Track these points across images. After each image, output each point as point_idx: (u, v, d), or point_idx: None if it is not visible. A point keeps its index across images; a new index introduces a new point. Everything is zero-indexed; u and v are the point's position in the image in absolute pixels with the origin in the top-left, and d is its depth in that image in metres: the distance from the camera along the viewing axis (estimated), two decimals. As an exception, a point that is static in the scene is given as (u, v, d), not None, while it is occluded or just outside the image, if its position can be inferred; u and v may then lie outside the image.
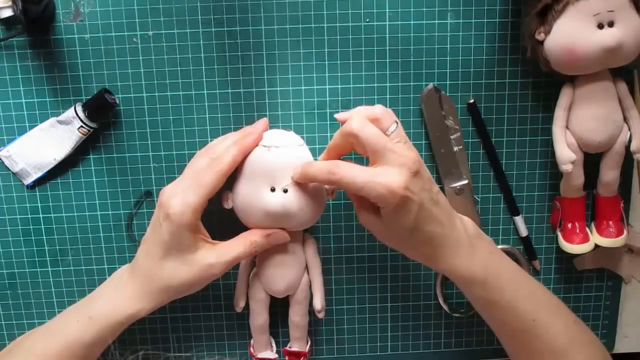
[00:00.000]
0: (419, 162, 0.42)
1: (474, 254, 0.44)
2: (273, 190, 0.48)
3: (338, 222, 0.56)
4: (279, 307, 0.56)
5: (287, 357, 0.55)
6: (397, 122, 0.44)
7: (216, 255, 0.46)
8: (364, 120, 0.42)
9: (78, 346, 0.46)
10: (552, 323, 0.46)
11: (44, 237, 0.55)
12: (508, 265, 0.47)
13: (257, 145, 0.48)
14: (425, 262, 0.46)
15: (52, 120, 0.52)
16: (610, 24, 0.46)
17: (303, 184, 0.48)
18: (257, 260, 0.52)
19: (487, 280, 0.45)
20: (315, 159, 0.52)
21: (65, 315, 0.49)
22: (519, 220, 0.57)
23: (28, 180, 0.53)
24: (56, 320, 0.49)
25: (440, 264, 0.45)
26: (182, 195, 0.44)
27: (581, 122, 0.51)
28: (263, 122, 0.49)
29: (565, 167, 0.51)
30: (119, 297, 0.47)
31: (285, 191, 0.48)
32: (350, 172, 0.41)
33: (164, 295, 0.47)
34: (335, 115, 0.47)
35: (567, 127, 0.51)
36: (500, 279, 0.45)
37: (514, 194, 0.56)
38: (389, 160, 0.41)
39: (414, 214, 0.41)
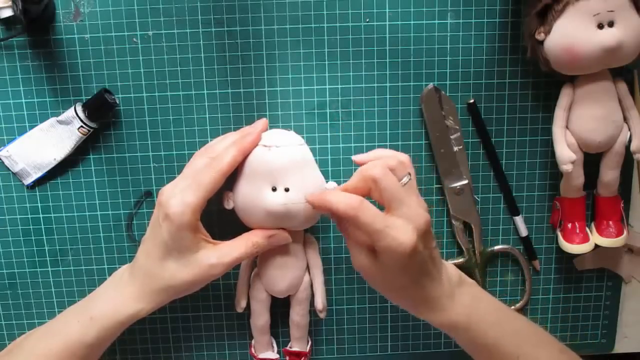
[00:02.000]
0: (429, 221, 0.43)
1: (454, 303, 0.45)
2: (274, 189, 0.48)
3: (338, 222, 0.56)
4: (279, 307, 0.56)
5: (287, 357, 0.55)
6: (409, 174, 0.44)
7: (217, 255, 0.46)
8: (386, 168, 0.42)
9: (79, 346, 0.46)
10: (538, 356, 0.46)
11: (44, 237, 0.55)
12: (491, 306, 0.47)
13: (256, 145, 0.48)
14: (407, 309, 0.46)
15: (52, 120, 0.52)
16: (610, 24, 0.46)
17: (304, 182, 0.48)
18: (258, 260, 0.52)
19: (470, 326, 0.45)
20: (315, 159, 0.52)
21: (66, 316, 0.49)
22: (519, 220, 0.57)
23: (28, 180, 0.53)
24: (57, 321, 0.49)
25: (422, 314, 0.45)
26: (181, 195, 0.44)
27: (581, 122, 0.51)
28: (262, 122, 0.49)
29: (565, 167, 0.51)
30: (119, 298, 0.47)
31: (287, 190, 0.48)
32: (371, 213, 0.41)
33: (165, 295, 0.47)
34: (354, 158, 0.47)
35: (567, 127, 0.51)
36: (483, 323, 0.46)
37: (514, 194, 0.56)
38: (403, 214, 0.41)
39: (415, 269, 0.42)
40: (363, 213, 0.41)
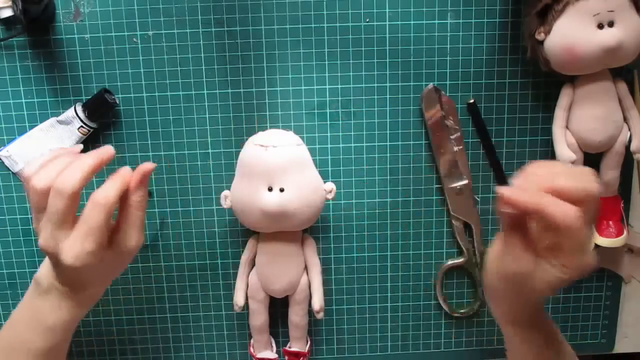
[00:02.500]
0: None
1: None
2: (270, 189, 0.48)
3: (338, 222, 0.56)
4: (278, 307, 0.56)
5: (286, 357, 0.55)
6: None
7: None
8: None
9: (46, 351, 0.44)
10: None
11: (44, 237, 0.55)
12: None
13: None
14: (508, 313, 0.44)
15: (52, 120, 0.52)
16: (610, 24, 0.46)
17: (301, 183, 0.48)
18: (257, 260, 0.53)
19: (541, 328, 0.44)
20: (315, 159, 0.52)
21: (17, 329, 0.46)
22: (519, 220, 0.57)
23: (28, 180, 0.53)
24: (10, 335, 0.46)
25: (524, 315, 0.43)
26: (81, 246, 0.41)
27: (581, 122, 0.51)
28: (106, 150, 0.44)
29: (565, 167, 0.51)
30: (66, 304, 0.44)
31: (282, 190, 0.48)
32: (586, 228, 0.37)
33: (98, 293, 0.46)
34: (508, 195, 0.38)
35: (567, 127, 0.51)
36: (549, 327, 0.45)
37: (514, 194, 0.56)
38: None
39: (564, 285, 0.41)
40: (583, 228, 0.37)
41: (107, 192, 0.41)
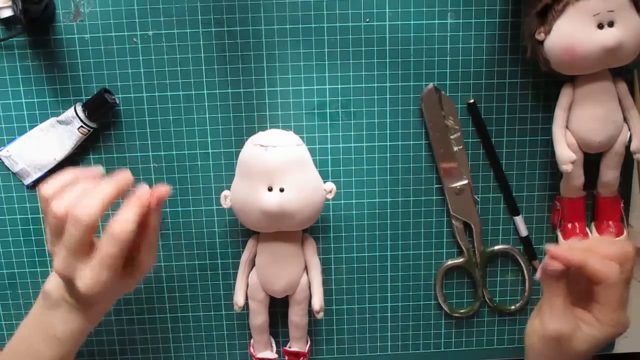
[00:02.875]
0: None
1: None
2: (270, 189, 0.48)
3: (338, 222, 0.56)
4: (278, 307, 0.56)
5: (286, 357, 0.55)
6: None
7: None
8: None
9: None
10: None
11: (44, 237, 0.55)
12: None
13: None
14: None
15: (52, 120, 0.52)
16: (610, 24, 0.46)
17: (301, 183, 0.48)
18: (257, 260, 0.53)
19: None
20: (315, 159, 0.52)
21: (27, 337, 0.46)
22: (519, 220, 0.57)
23: (28, 180, 0.53)
24: (19, 343, 0.46)
25: None
26: (97, 276, 0.41)
27: (581, 122, 0.51)
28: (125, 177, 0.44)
29: (565, 167, 0.51)
30: (73, 315, 0.44)
31: (282, 190, 0.48)
32: (626, 288, 0.42)
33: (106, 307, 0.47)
34: (554, 252, 0.42)
35: (567, 127, 0.51)
36: None
37: (514, 194, 0.56)
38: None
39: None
40: (621, 284, 0.41)
41: (125, 225, 0.41)
